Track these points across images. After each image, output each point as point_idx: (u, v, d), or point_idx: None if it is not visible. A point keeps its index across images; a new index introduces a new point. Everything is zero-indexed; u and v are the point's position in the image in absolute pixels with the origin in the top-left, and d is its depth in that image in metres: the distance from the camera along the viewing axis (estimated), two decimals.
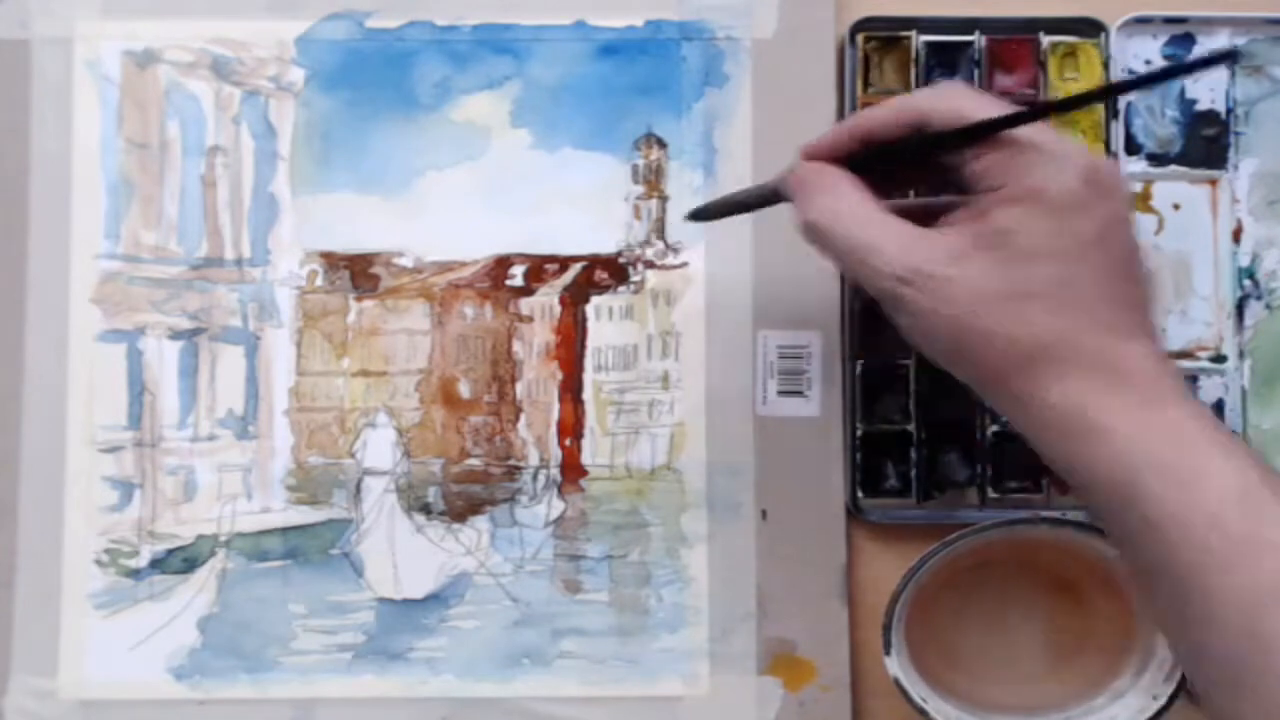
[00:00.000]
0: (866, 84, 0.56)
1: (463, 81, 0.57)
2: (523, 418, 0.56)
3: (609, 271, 0.56)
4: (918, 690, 0.50)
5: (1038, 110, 0.40)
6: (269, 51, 0.57)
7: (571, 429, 0.56)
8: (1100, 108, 0.56)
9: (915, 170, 0.44)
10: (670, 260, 0.56)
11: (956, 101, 0.41)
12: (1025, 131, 0.40)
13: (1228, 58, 0.50)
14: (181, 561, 0.55)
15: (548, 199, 0.56)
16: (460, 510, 0.55)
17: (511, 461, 0.56)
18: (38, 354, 0.55)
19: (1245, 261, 0.56)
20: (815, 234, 0.42)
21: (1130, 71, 0.57)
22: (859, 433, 0.55)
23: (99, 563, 0.55)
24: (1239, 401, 0.56)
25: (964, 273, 0.39)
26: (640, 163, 0.56)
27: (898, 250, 0.40)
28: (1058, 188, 0.39)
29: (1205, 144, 0.57)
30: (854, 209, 0.41)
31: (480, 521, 0.55)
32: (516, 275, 0.56)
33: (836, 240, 0.41)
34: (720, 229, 0.56)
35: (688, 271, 0.56)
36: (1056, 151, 0.39)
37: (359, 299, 0.56)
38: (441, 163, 0.56)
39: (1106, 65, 0.56)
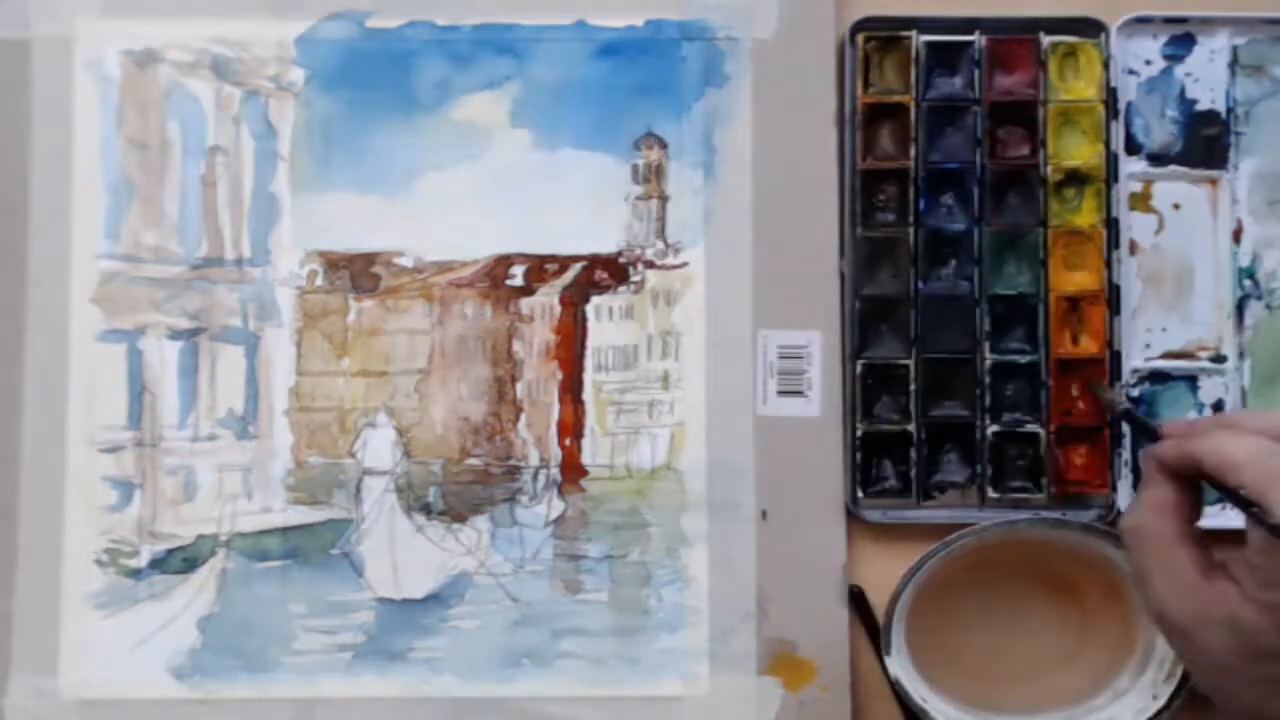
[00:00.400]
0: (866, 84, 0.56)
1: (463, 81, 0.57)
2: (523, 418, 0.56)
3: (609, 271, 0.56)
4: (918, 690, 0.50)
5: None
6: (269, 51, 0.57)
7: (572, 429, 0.56)
8: (1101, 107, 0.56)
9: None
10: (670, 260, 0.56)
11: (1225, 452, 0.43)
12: None
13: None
14: (181, 561, 0.55)
15: (548, 199, 0.56)
16: (460, 510, 0.55)
17: (511, 461, 0.56)
18: (38, 354, 0.55)
19: (1245, 261, 0.56)
20: (1123, 536, 0.46)
21: (1131, 71, 0.57)
22: (859, 433, 0.55)
23: (99, 563, 0.55)
24: (1239, 401, 0.56)
25: (1208, 640, 0.43)
26: (640, 163, 0.56)
27: (1162, 591, 0.44)
28: None
29: (1205, 144, 0.57)
30: (1158, 532, 0.45)
31: (480, 521, 0.55)
32: (516, 275, 0.56)
33: (1130, 553, 0.46)
34: (720, 229, 0.56)
35: (688, 271, 0.56)
36: None
37: (359, 299, 0.56)
38: (441, 163, 0.56)
39: (1106, 65, 0.56)
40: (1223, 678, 0.43)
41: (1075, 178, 0.56)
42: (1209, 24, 0.57)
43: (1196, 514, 0.46)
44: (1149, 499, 0.45)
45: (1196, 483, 0.45)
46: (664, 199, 0.56)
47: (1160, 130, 0.57)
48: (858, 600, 0.54)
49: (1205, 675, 0.44)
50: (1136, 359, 0.56)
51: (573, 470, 0.56)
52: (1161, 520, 0.45)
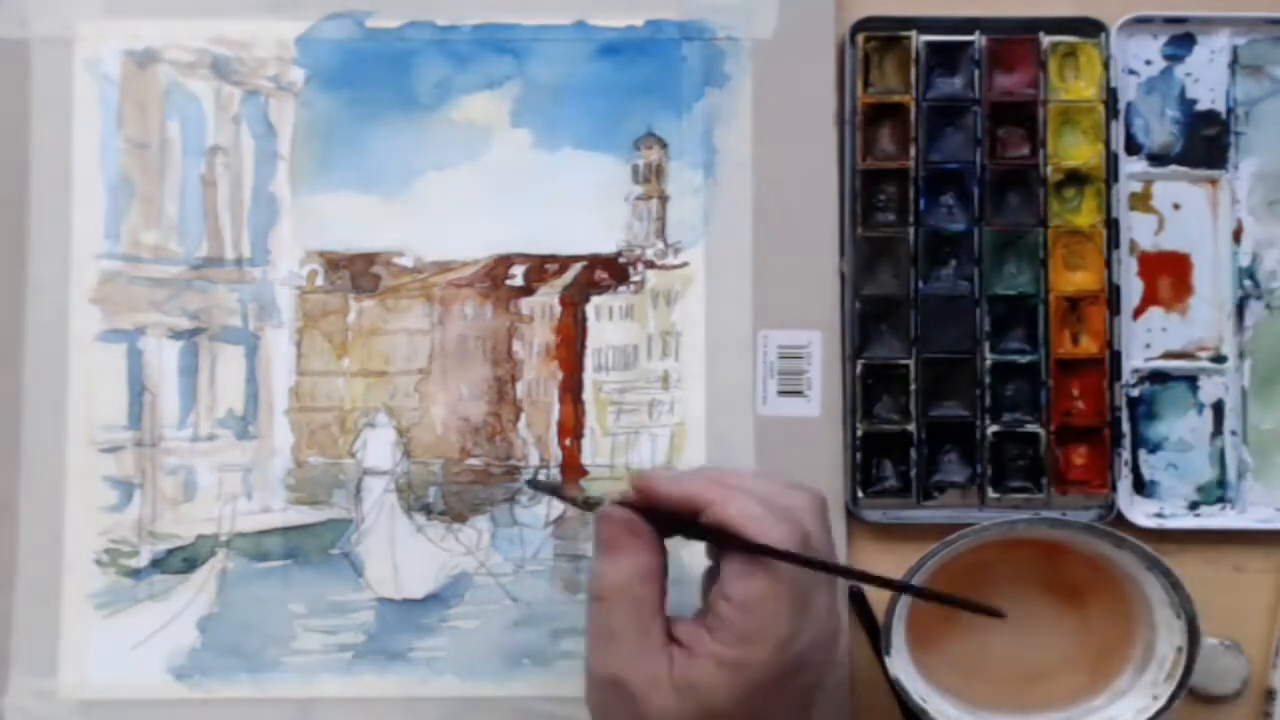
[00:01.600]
0: (866, 84, 0.56)
1: (463, 81, 0.57)
2: (523, 418, 0.56)
3: (609, 271, 0.56)
4: (918, 690, 0.50)
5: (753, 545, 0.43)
6: (269, 51, 0.57)
7: (572, 429, 0.56)
8: (1101, 107, 0.56)
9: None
10: (670, 260, 0.56)
11: (725, 516, 0.44)
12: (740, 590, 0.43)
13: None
14: (182, 561, 0.55)
15: (548, 199, 0.56)
16: (460, 510, 0.55)
17: (511, 461, 0.56)
18: (38, 354, 0.55)
19: (1245, 261, 0.56)
20: (598, 595, 0.45)
21: (1131, 71, 0.57)
22: (859, 433, 0.55)
23: (99, 563, 0.55)
24: (1239, 401, 0.56)
25: (658, 705, 0.43)
26: (640, 163, 0.56)
27: (628, 654, 0.44)
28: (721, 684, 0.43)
29: (1205, 144, 0.57)
30: (642, 596, 0.44)
31: (480, 521, 0.55)
32: (516, 275, 0.56)
33: (599, 612, 0.45)
34: (720, 229, 0.56)
35: (688, 271, 0.56)
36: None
37: (359, 299, 0.56)
38: (441, 163, 0.56)
39: (1106, 65, 0.56)
40: None
41: (1075, 178, 0.56)
42: (1209, 24, 0.57)
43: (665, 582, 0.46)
44: (632, 565, 0.45)
45: (663, 548, 0.46)
46: (664, 199, 0.56)
47: (1160, 130, 0.57)
48: (858, 600, 0.54)
49: None
50: (1136, 359, 0.56)
51: (573, 470, 0.56)
52: (648, 586, 0.45)
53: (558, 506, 0.55)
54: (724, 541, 0.44)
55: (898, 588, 0.47)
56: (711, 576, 0.46)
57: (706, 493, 0.44)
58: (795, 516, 0.44)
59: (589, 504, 0.47)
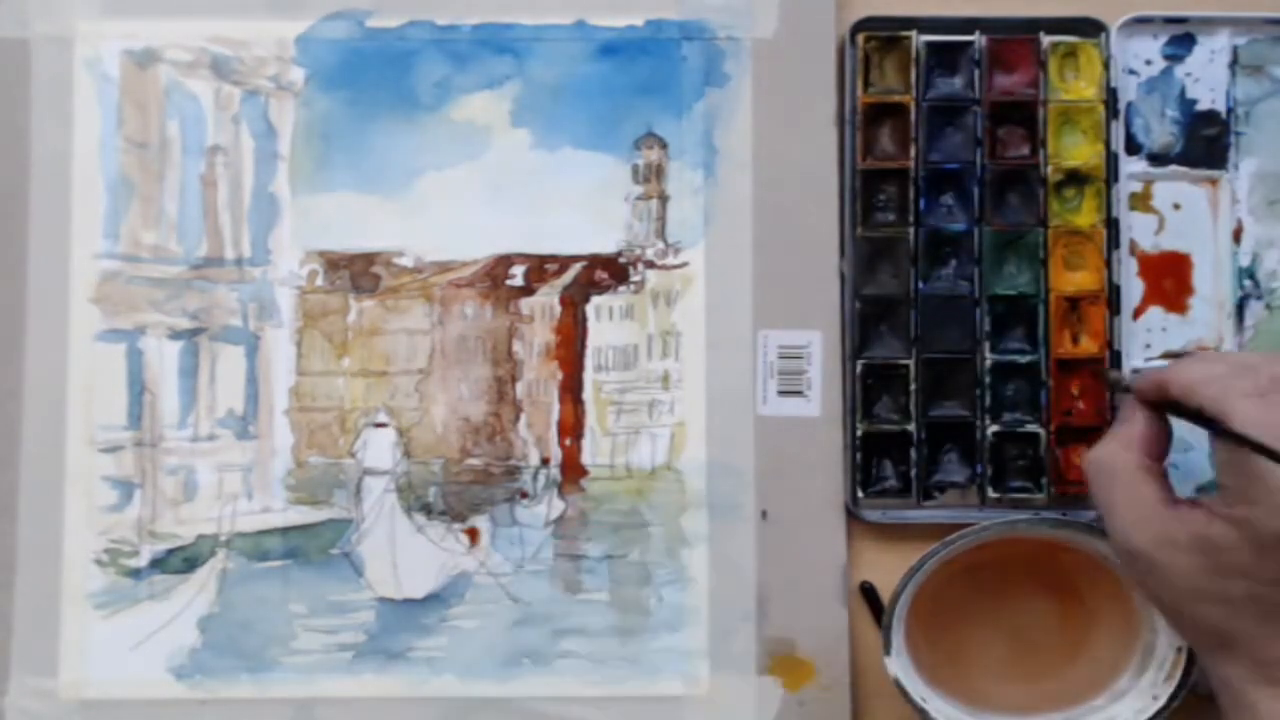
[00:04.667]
0: (867, 84, 0.56)
1: (463, 81, 0.57)
2: (523, 418, 0.56)
3: (609, 271, 0.56)
4: (918, 690, 0.50)
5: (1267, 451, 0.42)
6: (269, 51, 0.57)
7: (572, 429, 0.56)
8: (1101, 107, 0.56)
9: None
10: (670, 260, 0.56)
11: (1188, 374, 0.45)
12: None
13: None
14: (182, 561, 0.55)
15: (548, 199, 0.56)
16: (460, 510, 0.55)
17: (511, 461, 0.56)
18: (38, 354, 0.55)
19: (1245, 261, 0.56)
20: (1087, 469, 0.48)
21: (1131, 71, 0.57)
22: (859, 433, 0.55)
23: (99, 563, 0.55)
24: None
25: (1173, 564, 0.44)
26: (640, 163, 0.56)
27: (1127, 520, 0.46)
28: (1266, 527, 0.42)
29: (1205, 144, 0.57)
30: (1123, 462, 0.47)
31: (480, 521, 0.55)
32: (516, 275, 0.56)
33: (1093, 486, 0.47)
34: (720, 229, 0.56)
35: (688, 271, 0.56)
36: (1274, 490, 0.42)
37: (359, 299, 0.56)
38: (441, 163, 0.56)
39: (1107, 65, 0.56)
40: (1187, 601, 0.44)
41: (1075, 178, 0.56)
42: (1209, 24, 0.57)
43: (1164, 450, 0.48)
44: (1118, 434, 0.48)
45: (1167, 421, 0.47)
46: (664, 199, 0.56)
47: (1160, 130, 0.57)
48: (870, 596, 0.54)
49: (1168, 601, 0.45)
50: (1136, 359, 0.56)
51: (573, 470, 0.56)
52: (1127, 453, 0.47)
53: (558, 506, 0.55)
54: (1193, 417, 0.45)
55: None
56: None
57: (1165, 372, 0.46)
58: (1255, 368, 0.44)
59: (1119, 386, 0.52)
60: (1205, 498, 0.45)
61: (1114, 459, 0.47)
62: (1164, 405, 0.47)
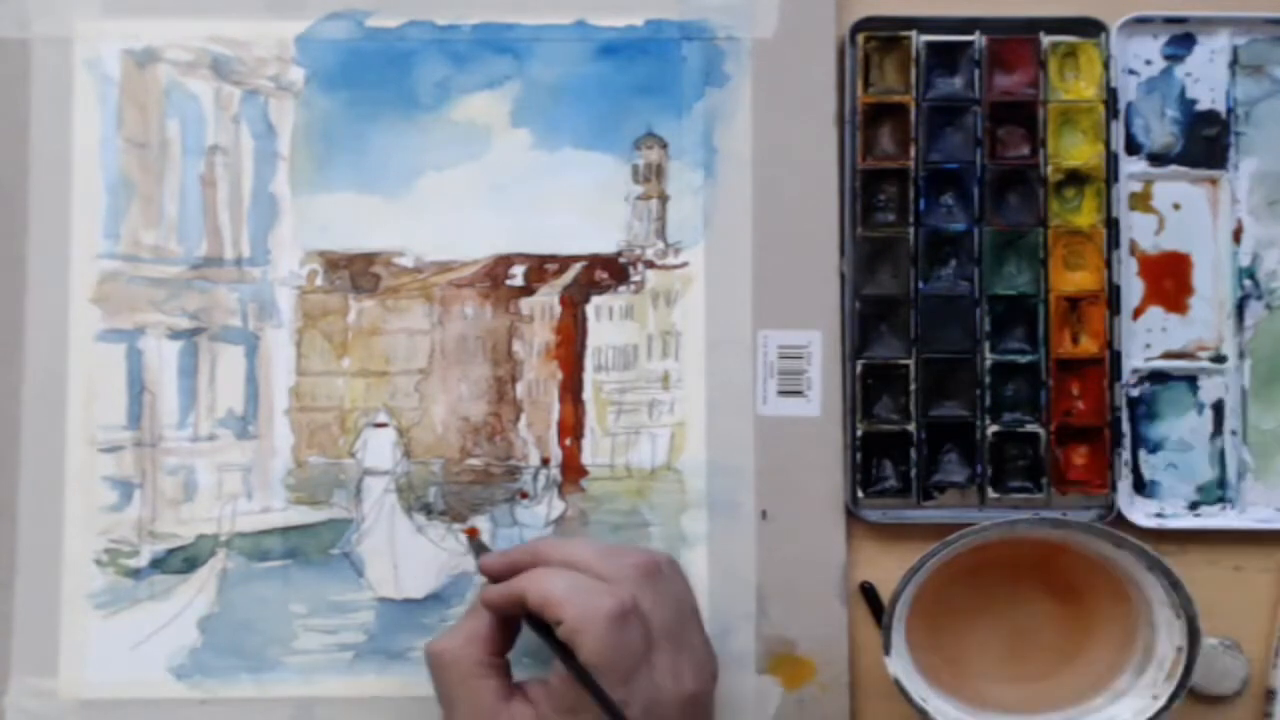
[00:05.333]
0: (867, 84, 0.56)
1: (463, 81, 0.57)
2: (523, 418, 0.56)
3: (609, 271, 0.56)
4: (918, 690, 0.50)
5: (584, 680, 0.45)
6: (269, 51, 0.57)
7: (572, 429, 0.56)
8: (1101, 107, 0.56)
9: None
10: (670, 260, 0.56)
11: (547, 588, 0.47)
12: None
13: None
14: (182, 561, 0.55)
15: (548, 199, 0.56)
16: (460, 510, 0.55)
17: (512, 461, 0.56)
18: (38, 354, 0.55)
19: (1245, 261, 0.56)
20: (429, 660, 0.49)
21: (1131, 71, 0.57)
22: (859, 433, 0.55)
23: (99, 563, 0.55)
24: (1239, 401, 0.56)
25: None
26: (640, 163, 0.56)
27: (464, 715, 0.48)
28: None
29: (1205, 144, 0.57)
30: (462, 658, 0.48)
31: (480, 521, 0.55)
32: (516, 275, 0.56)
33: (435, 677, 0.49)
34: (720, 229, 0.56)
35: (688, 271, 0.56)
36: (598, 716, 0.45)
37: (359, 299, 0.56)
38: (441, 163, 0.56)
39: (1107, 65, 0.56)
40: None
41: (1075, 178, 0.56)
42: (1209, 24, 0.57)
43: (507, 645, 0.49)
44: (464, 629, 0.49)
45: (515, 617, 0.49)
46: (664, 199, 0.56)
47: (1160, 130, 0.57)
48: (870, 595, 0.54)
49: None
50: (1136, 359, 0.56)
51: (573, 470, 0.56)
52: (469, 649, 0.48)
53: (558, 506, 0.55)
54: (545, 634, 0.47)
55: None
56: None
57: (521, 581, 0.47)
58: (616, 584, 0.46)
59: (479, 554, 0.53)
60: (539, 686, 0.47)
61: (455, 655, 0.48)
62: (517, 610, 0.48)
